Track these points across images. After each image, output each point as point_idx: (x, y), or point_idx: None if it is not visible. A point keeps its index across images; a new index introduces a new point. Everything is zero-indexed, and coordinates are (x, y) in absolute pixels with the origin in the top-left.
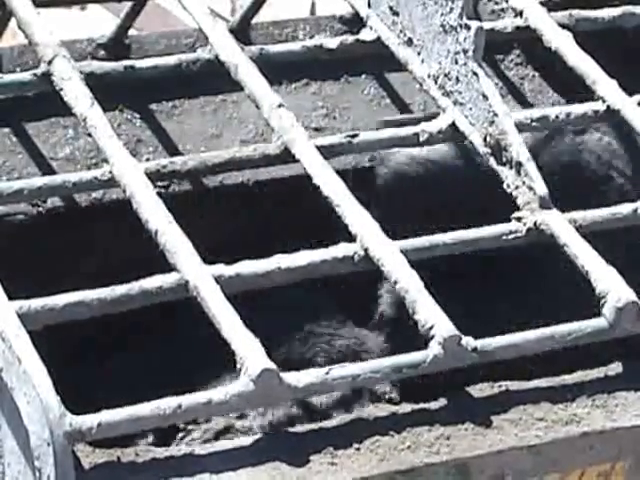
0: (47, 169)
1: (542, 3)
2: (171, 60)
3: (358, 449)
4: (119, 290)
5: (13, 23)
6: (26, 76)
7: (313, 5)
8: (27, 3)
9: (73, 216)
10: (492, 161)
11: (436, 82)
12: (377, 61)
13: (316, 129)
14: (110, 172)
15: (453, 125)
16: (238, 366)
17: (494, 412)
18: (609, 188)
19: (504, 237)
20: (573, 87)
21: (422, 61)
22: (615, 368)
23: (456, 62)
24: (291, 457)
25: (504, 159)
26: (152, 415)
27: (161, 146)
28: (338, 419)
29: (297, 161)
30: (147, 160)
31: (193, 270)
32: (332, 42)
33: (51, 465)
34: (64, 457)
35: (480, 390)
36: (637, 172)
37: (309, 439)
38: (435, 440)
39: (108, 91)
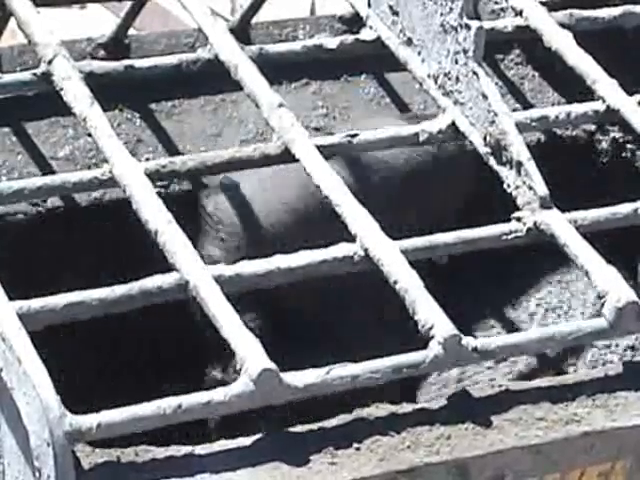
0: (47, 169)
1: (542, 3)
2: (171, 60)
3: (358, 449)
4: (119, 290)
5: (13, 23)
6: (26, 76)
7: (313, 5)
8: (27, 3)
9: (73, 216)
10: (492, 161)
11: (436, 82)
12: (377, 61)
13: (316, 129)
14: (110, 172)
15: (453, 125)
16: (238, 366)
17: (494, 412)
18: None
19: (504, 237)
20: (573, 87)
21: (422, 61)
22: (615, 368)
23: (456, 62)
24: (291, 457)
25: (504, 159)
26: (152, 415)
27: (161, 146)
28: (338, 419)
29: (297, 161)
30: (147, 160)
31: (193, 270)
32: (332, 42)
33: (51, 465)
34: (64, 457)
35: (480, 390)
36: None
37: (309, 439)
38: (435, 440)
39: (108, 91)
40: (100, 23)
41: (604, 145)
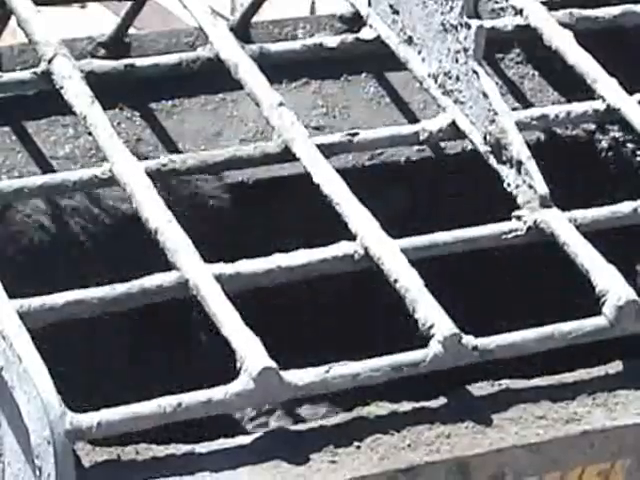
0: (47, 167)
1: (542, 2)
2: (171, 59)
3: (358, 447)
4: (119, 289)
5: (13, 22)
6: (26, 75)
7: (313, 4)
8: (27, 2)
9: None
10: (492, 160)
11: (436, 81)
12: (377, 60)
13: (316, 128)
14: (110, 171)
15: (453, 124)
16: (238, 365)
17: (494, 411)
18: None
19: (504, 236)
20: (573, 86)
21: (422, 60)
22: (615, 367)
23: (456, 61)
24: (291, 455)
25: (504, 158)
26: (152, 413)
27: (161, 145)
28: (338, 417)
29: (297, 160)
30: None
31: (193, 269)
32: (332, 41)
33: (51, 463)
34: (64, 455)
35: (480, 389)
36: None
37: (309, 437)
38: (435, 439)
39: (108, 90)
40: (100, 22)
41: (604, 144)
